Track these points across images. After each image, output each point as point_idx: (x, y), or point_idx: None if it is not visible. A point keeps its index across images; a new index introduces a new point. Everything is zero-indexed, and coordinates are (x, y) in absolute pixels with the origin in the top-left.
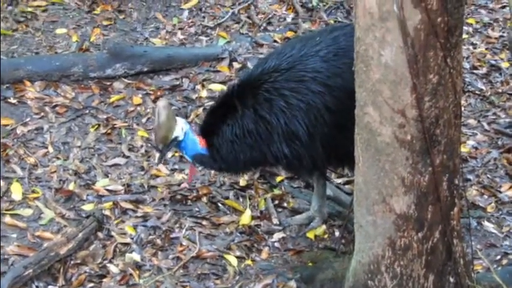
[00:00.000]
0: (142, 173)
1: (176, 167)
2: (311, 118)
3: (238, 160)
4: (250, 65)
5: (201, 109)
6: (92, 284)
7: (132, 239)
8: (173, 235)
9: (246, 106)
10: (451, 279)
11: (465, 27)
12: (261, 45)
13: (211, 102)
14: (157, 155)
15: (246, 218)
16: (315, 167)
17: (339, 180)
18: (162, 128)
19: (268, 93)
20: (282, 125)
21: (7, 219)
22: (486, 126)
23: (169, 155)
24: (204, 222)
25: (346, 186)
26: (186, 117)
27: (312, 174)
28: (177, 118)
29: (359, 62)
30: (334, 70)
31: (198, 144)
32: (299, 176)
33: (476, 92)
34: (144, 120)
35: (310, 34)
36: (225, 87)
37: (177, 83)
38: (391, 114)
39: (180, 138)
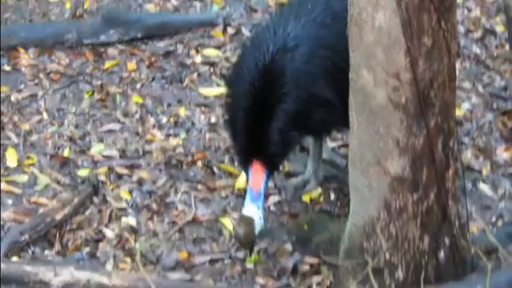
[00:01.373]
0: (137, 138)
1: (171, 131)
2: (330, 82)
3: (292, 145)
4: (244, 30)
5: (195, 74)
6: (88, 249)
7: (128, 203)
8: (168, 199)
9: (285, 94)
10: (447, 241)
11: None
12: (255, 11)
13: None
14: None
15: (241, 182)
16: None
17: (334, 144)
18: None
19: (293, 75)
20: (317, 97)
21: (2, 185)
22: (481, 90)
23: (164, 120)
24: (200, 187)
25: (342, 150)
26: (180, 82)
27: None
28: (249, 213)
29: (353, 25)
30: (335, 33)
31: (262, 189)
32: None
33: (471, 55)
34: (138, 86)
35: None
36: (219, 53)
37: (171, 48)
38: (385, 77)
39: (262, 221)
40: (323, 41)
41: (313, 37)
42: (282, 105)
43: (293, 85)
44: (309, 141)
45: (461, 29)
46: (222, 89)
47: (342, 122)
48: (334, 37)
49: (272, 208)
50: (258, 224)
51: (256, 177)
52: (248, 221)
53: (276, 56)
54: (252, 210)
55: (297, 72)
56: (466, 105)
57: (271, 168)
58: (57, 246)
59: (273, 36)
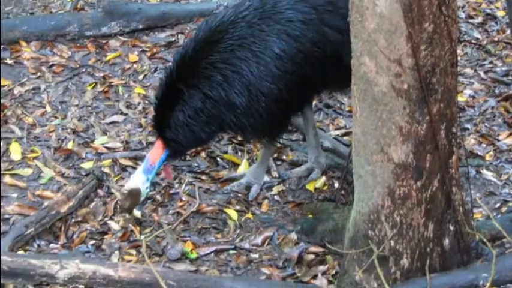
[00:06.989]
0: (141, 129)
1: None
2: (243, 86)
3: (200, 138)
4: None
5: None
6: (93, 241)
7: None
8: (173, 191)
9: (191, 87)
10: (451, 228)
11: None
12: None
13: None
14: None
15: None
16: (261, 134)
17: (337, 132)
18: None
19: (206, 70)
20: (224, 98)
21: (7, 179)
22: (483, 75)
23: None
24: (204, 177)
25: (345, 138)
26: None
27: (260, 139)
28: (137, 182)
29: (354, 12)
30: (258, 34)
31: (157, 164)
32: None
33: (473, 41)
34: (140, 77)
35: None
36: None
37: (173, 39)
38: (387, 64)
39: (148, 191)
40: (245, 42)
41: (236, 36)
42: (187, 97)
43: (202, 79)
44: (304, 130)
45: (462, 14)
46: None
47: (259, 133)
48: (257, 40)
49: (276, 198)
50: (144, 193)
51: (156, 151)
52: (135, 194)
53: (197, 47)
54: (141, 179)
55: (209, 66)
56: (468, 91)
57: (172, 151)
58: (62, 239)
59: (205, 30)
